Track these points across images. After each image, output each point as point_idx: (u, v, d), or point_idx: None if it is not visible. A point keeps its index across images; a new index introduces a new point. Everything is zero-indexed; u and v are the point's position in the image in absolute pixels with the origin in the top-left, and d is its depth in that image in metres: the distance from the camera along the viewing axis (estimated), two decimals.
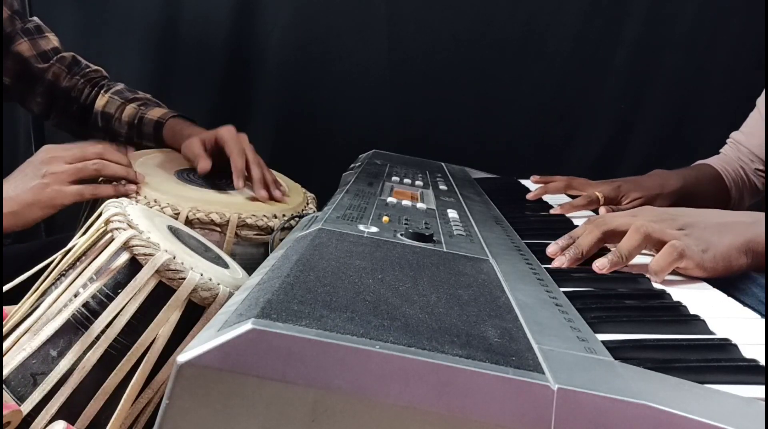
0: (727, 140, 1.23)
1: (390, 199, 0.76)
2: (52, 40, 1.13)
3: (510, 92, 1.75)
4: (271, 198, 0.92)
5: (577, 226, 0.85)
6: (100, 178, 0.84)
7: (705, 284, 0.63)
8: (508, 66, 1.75)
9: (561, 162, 1.78)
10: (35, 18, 1.13)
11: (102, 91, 1.12)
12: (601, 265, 0.61)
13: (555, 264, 0.63)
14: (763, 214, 0.67)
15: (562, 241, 0.66)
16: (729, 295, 0.60)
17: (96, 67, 1.17)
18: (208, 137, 0.97)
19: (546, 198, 1.14)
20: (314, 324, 0.35)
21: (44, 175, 0.79)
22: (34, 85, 1.11)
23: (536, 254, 0.66)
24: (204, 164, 0.93)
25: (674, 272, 0.63)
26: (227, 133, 0.97)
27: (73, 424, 0.55)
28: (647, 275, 0.62)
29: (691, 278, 0.64)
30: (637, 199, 1.04)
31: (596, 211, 0.99)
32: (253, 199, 0.92)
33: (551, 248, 0.65)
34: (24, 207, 0.78)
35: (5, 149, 1.53)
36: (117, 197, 0.82)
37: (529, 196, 1.09)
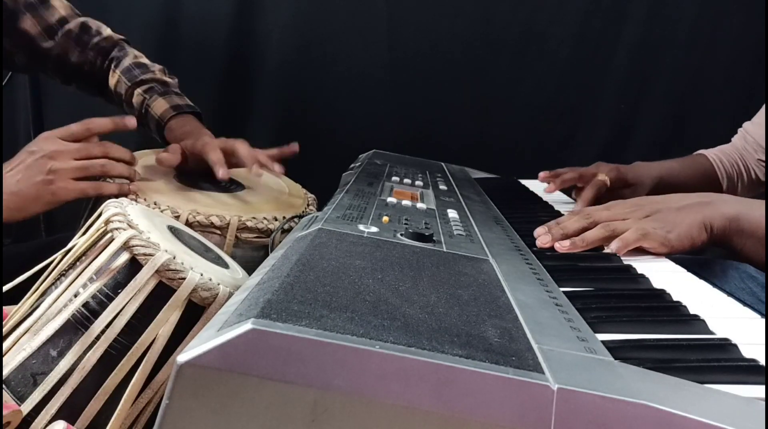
0: (738, 129, 1.24)
1: (390, 199, 0.76)
2: (58, 9, 1.08)
3: (510, 92, 1.75)
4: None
5: None
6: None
7: (705, 284, 0.63)
8: (508, 66, 1.75)
9: (561, 162, 1.77)
10: None
11: (113, 66, 1.09)
12: (562, 245, 0.71)
13: (539, 241, 0.72)
14: (717, 195, 0.78)
15: (549, 224, 0.75)
16: (729, 295, 0.60)
17: (107, 35, 1.12)
18: (226, 147, 0.95)
19: (546, 197, 1.14)
20: (314, 324, 0.35)
21: (49, 171, 0.78)
22: (45, 61, 1.09)
23: (536, 254, 0.66)
24: (224, 173, 0.91)
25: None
26: (243, 147, 0.95)
27: (73, 424, 0.55)
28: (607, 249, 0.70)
29: (688, 276, 0.65)
30: (629, 187, 1.13)
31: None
32: (254, 201, 0.91)
33: (539, 229, 0.74)
34: (27, 202, 0.78)
35: (5, 146, 1.53)
36: (120, 195, 0.82)
37: (546, 190, 1.13)
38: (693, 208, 0.73)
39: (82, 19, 1.12)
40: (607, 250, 0.69)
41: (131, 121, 0.88)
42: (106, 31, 1.13)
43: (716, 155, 1.21)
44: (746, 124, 1.23)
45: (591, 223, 0.72)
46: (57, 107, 1.62)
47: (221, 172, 0.90)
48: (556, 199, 1.14)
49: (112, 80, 1.09)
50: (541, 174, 1.17)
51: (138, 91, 1.07)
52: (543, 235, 0.72)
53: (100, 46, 1.11)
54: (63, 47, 1.08)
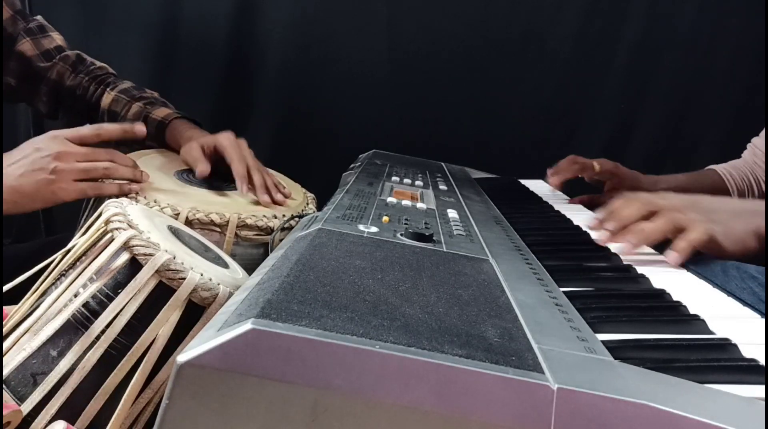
0: (748, 145, 1.23)
1: (390, 199, 0.76)
2: (56, 39, 1.12)
3: (510, 92, 1.75)
4: (274, 202, 0.92)
5: (577, 224, 0.85)
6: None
7: (704, 283, 0.63)
8: (508, 66, 1.75)
9: None
10: (39, 17, 1.13)
11: (108, 89, 1.11)
12: (627, 247, 0.68)
13: (596, 236, 0.70)
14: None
15: (602, 216, 0.72)
16: (729, 294, 0.60)
17: (101, 65, 1.16)
18: (207, 143, 0.97)
19: (546, 198, 1.14)
20: (314, 324, 0.35)
21: (53, 171, 0.78)
22: (39, 84, 1.11)
23: (536, 254, 0.66)
24: (203, 167, 0.93)
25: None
26: (226, 140, 0.96)
27: (73, 424, 0.55)
28: (665, 256, 0.68)
29: (688, 276, 0.65)
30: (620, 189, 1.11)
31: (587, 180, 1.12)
32: (254, 200, 0.92)
33: (592, 223, 0.72)
34: (25, 198, 0.78)
35: (5, 145, 1.53)
36: (120, 195, 0.82)
37: (572, 201, 1.14)
38: (748, 214, 0.71)
39: (77, 51, 1.15)
40: (671, 248, 0.67)
41: (140, 128, 0.89)
42: (100, 63, 1.17)
43: (726, 170, 1.20)
44: (755, 140, 1.22)
45: (649, 211, 0.68)
46: None
47: (200, 169, 0.92)
48: (556, 198, 1.14)
49: (106, 100, 1.10)
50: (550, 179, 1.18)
51: (138, 103, 1.08)
52: (600, 232, 0.69)
53: (96, 73, 1.14)
54: (59, 71, 1.11)
